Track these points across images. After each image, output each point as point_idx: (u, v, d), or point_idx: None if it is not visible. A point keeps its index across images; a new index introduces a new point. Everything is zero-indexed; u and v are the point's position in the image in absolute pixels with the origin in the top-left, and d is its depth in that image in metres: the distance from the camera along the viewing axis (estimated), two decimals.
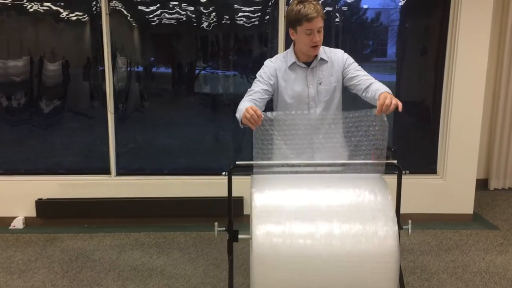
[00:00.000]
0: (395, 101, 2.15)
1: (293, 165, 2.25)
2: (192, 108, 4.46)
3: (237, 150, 4.50)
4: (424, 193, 4.23)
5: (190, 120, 4.44)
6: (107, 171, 4.23)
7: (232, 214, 2.31)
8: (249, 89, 2.54)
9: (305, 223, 2.08)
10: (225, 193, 2.29)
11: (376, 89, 2.31)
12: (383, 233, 2.05)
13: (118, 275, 3.28)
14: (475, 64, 4.02)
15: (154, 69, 4.37)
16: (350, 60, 2.56)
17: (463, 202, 4.23)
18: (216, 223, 2.31)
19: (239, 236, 2.30)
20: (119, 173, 4.25)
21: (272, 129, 2.27)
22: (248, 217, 2.77)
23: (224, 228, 2.31)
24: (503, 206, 4.68)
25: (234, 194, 2.26)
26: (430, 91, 4.35)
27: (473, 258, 3.54)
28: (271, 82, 2.53)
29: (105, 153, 4.22)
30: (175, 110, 4.42)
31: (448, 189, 4.19)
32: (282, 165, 2.25)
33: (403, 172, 2.30)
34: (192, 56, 4.34)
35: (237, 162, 2.23)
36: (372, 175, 2.28)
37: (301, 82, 2.54)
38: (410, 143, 4.51)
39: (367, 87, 2.40)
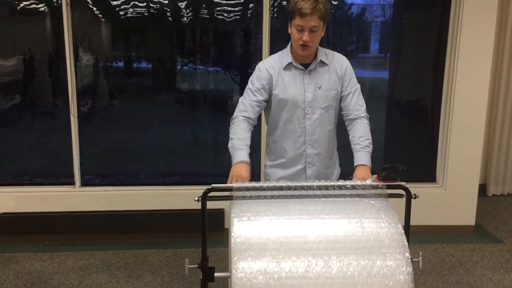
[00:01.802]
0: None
1: (281, 188, 1.84)
2: (168, 107, 4.06)
3: (219, 151, 4.11)
4: (422, 203, 3.82)
5: (166, 120, 4.04)
6: (70, 182, 3.77)
7: (206, 248, 1.90)
8: (240, 99, 2.28)
9: (296, 259, 1.67)
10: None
11: (357, 143, 2.18)
12: (394, 272, 1.66)
13: None
14: (478, 61, 3.65)
15: (125, 65, 3.95)
16: (352, 73, 2.29)
17: (465, 213, 3.87)
18: (186, 260, 1.90)
19: (216, 275, 1.89)
20: (84, 183, 3.79)
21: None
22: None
23: (196, 265, 1.90)
24: (504, 215, 4.35)
25: (213, 206, 1.85)
26: (429, 91, 3.98)
27: (479, 278, 3.18)
28: (265, 88, 2.24)
29: (69, 160, 3.76)
30: (148, 109, 4.01)
31: (448, 198, 3.83)
32: (268, 188, 1.83)
33: (413, 196, 1.91)
34: (166, 51, 3.93)
35: (212, 185, 1.81)
36: (377, 199, 1.88)
37: (297, 85, 2.23)
38: (406, 148, 4.14)
39: (353, 122, 2.26)
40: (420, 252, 1.92)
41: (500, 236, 3.88)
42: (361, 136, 2.21)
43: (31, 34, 3.74)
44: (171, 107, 4.07)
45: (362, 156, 2.15)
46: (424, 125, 4.07)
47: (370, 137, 2.22)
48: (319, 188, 1.84)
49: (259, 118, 2.31)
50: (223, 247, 3.50)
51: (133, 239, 3.73)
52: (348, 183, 1.85)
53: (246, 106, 2.23)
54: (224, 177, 2.08)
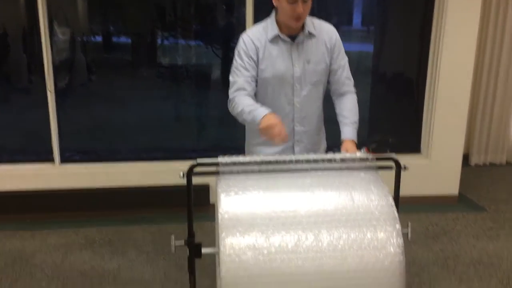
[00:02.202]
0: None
1: (269, 162, 1.79)
2: (149, 82, 3.95)
3: (202, 127, 4.04)
4: (406, 173, 3.83)
5: (147, 95, 3.93)
6: (50, 159, 3.66)
7: (192, 225, 1.85)
8: (231, 79, 2.12)
9: (286, 234, 1.64)
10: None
11: (345, 116, 2.15)
12: (385, 244, 1.64)
13: (63, 284, 2.79)
14: (464, 34, 3.61)
15: (103, 39, 3.81)
16: (341, 45, 2.19)
17: (448, 183, 3.90)
18: (172, 237, 1.85)
19: (203, 251, 1.85)
20: (64, 160, 3.69)
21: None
22: (214, 206, 2.32)
23: (183, 242, 1.85)
24: (487, 184, 4.40)
25: (198, 182, 1.79)
26: (414, 63, 3.94)
27: (463, 246, 3.22)
28: (255, 61, 2.10)
29: (47, 137, 3.64)
30: (128, 84, 3.89)
31: (432, 169, 3.85)
32: (256, 162, 1.78)
33: (403, 167, 1.88)
34: (146, 24, 3.79)
35: (198, 160, 1.75)
36: (367, 172, 1.85)
37: (285, 60, 2.11)
38: (391, 120, 4.12)
39: (341, 96, 2.22)
40: (409, 223, 1.91)
41: (483, 204, 3.92)
42: (350, 110, 2.17)
43: (3, 9, 3.56)
44: (152, 82, 3.97)
45: (350, 131, 2.12)
46: (409, 98, 4.05)
47: (358, 114, 2.19)
48: (308, 161, 1.79)
49: None
50: (209, 222, 3.47)
51: (116, 216, 3.66)
52: (338, 156, 1.81)
53: (241, 83, 2.08)
54: (207, 152, 2.01)
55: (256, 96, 2.16)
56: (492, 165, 4.92)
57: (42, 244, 3.27)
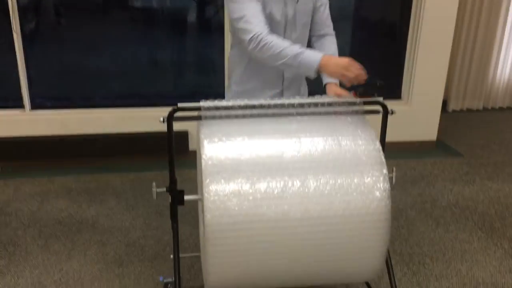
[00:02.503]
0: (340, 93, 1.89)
1: (253, 106, 1.72)
2: (122, 25, 3.74)
3: (179, 72, 3.89)
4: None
5: (120, 39, 3.73)
6: (20, 105, 3.50)
7: (174, 171, 1.79)
8: (243, 20, 1.83)
9: (271, 180, 1.60)
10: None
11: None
12: (371, 189, 1.62)
13: (40, 232, 2.73)
14: None
15: None
16: None
17: (427, 129, 3.92)
18: (154, 184, 1.80)
19: (186, 197, 1.81)
20: (35, 106, 3.53)
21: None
22: (195, 153, 2.25)
23: (165, 189, 1.80)
24: (464, 130, 4.45)
25: (176, 128, 1.71)
26: (397, 8, 3.83)
27: (440, 190, 3.28)
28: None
29: (16, 82, 3.46)
30: (100, 28, 3.68)
31: (412, 115, 3.84)
32: (240, 106, 1.71)
33: (390, 112, 1.84)
34: None
35: (179, 104, 1.67)
36: (353, 116, 1.80)
37: (278, 0, 1.94)
38: (371, 64, 4.05)
39: (321, 38, 2.11)
40: (394, 168, 1.90)
41: (460, 150, 3.98)
42: (331, 54, 2.04)
43: None
44: (125, 25, 3.75)
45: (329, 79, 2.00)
46: (391, 43, 3.97)
47: (337, 54, 2.08)
48: (294, 106, 1.73)
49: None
50: (188, 169, 3.42)
51: (93, 164, 3.57)
52: (325, 99, 1.75)
53: (257, 21, 1.81)
54: (185, 99, 1.83)
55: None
56: (469, 110, 4.96)
57: (16, 193, 3.17)
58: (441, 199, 3.16)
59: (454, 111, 4.92)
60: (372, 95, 1.78)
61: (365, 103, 1.80)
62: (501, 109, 5.06)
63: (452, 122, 4.60)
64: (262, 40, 1.79)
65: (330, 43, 2.12)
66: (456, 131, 4.39)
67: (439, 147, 4.00)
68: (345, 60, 1.74)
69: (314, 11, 2.08)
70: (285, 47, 1.78)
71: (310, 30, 2.11)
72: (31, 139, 3.48)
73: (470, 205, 3.09)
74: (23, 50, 3.39)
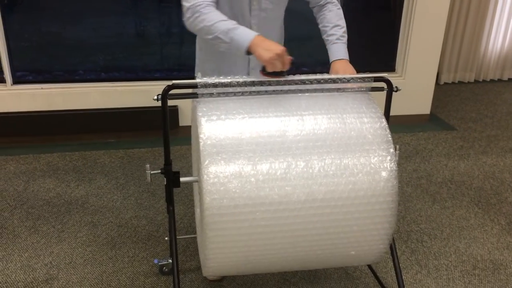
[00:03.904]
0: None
1: (253, 83, 1.62)
2: None
3: (165, 45, 3.75)
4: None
5: (103, 9, 3.56)
6: (0, 79, 3.34)
7: (169, 152, 1.70)
8: None
9: (274, 161, 1.53)
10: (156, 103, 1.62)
11: (332, 33, 1.87)
12: (377, 169, 1.56)
13: (27, 213, 2.63)
14: None
15: None
16: None
17: (421, 102, 3.87)
18: (147, 166, 1.71)
19: (182, 179, 1.73)
20: (16, 81, 3.37)
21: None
22: (185, 129, 2.14)
23: (159, 171, 1.71)
24: (456, 102, 4.41)
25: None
26: None
27: (435, 165, 3.25)
28: None
29: None
30: None
31: (406, 88, 3.74)
32: (238, 83, 1.61)
33: (395, 89, 1.77)
34: None
35: (173, 82, 1.56)
36: (357, 93, 1.72)
37: None
38: (365, 37, 3.95)
39: (323, 8, 1.94)
40: (397, 146, 1.83)
41: (453, 123, 3.94)
42: (335, 25, 1.90)
43: None
44: None
45: (339, 48, 1.85)
46: (386, 16, 3.86)
47: (345, 25, 1.93)
48: (297, 83, 1.64)
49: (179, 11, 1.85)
50: (179, 146, 3.33)
51: (79, 141, 3.45)
52: (329, 76, 1.67)
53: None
54: (172, 72, 1.71)
55: None
56: (460, 83, 4.92)
57: (0, 172, 3.05)
58: (437, 174, 3.13)
59: (446, 83, 4.87)
60: (281, 74, 1.64)
61: (369, 79, 1.71)
62: (492, 81, 5.03)
63: (444, 94, 4.55)
64: (198, 11, 1.68)
65: (333, 13, 1.93)
66: (449, 103, 4.35)
67: (432, 120, 3.95)
68: (280, 49, 1.57)
69: None
70: (218, 20, 1.65)
71: (310, 2, 1.99)
72: (14, 115, 3.34)
73: (465, 180, 3.07)
74: (2, 22, 3.21)
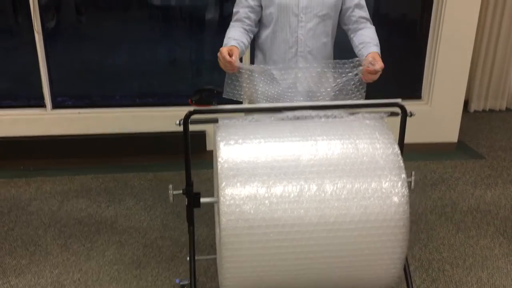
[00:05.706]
0: (380, 67, 1.91)
1: (270, 109, 1.71)
2: (141, 24, 3.76)
3: (197, 71, 3.90)
4: (407, 120, 3.80)
5: (139, 37, 3.75)
6: (41, 104, 3.55)
7: (190, 174, 1.79)
8: (234, 9, 2.13)
9: (288, 184, 1.59)
10: None
11: (366, 41, 2.05)
12: (389, 194, 1.59)
13: (60, 232, 2.77)
14: None
15: None
16: None
17: (448, 130, 3.85)
18: (170, 186, 1.80)
19: (202, 200, 1.81)
20: (56, 106, 3.58)
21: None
22: (211, 153, 2.25)
23: (181, 191, 1.80)
24: (486, 131, 4.36)
25: (194, 128, 1.73)
26: (418, 5, 3.77)
27: (461, 194, 3.22)
28: None
29: (37, 82, 3.51)
30: (119, 26, 3.71)
31: (433, 116, 3.78)
32: (256, 109, 1.70)
33: (409, 114, 1.81)
34: None
35: (195, 108, 1.67)
36: (372, 119, 1.77)
37: None
38: (391, 63, 3.99)
39: (358, 30, 2.11)
40: (413, 172, 1.86)
41: (481, 152, 3.90)
42: (370, 39, 2.05)
43: None
44: (144, 24, 3.78)
45: (374, 48, 2.02)
46: (412, 42, 3.91)
47: (378, 42, 2.08)
48: (311, 108, 1.71)
49: None
50: (206, 169, 3.43)
51: (112, 163, 3.61)
52: (343, 102, 1.73)
53: (241, 15, 2.09)
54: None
55: (261, 28, 2.15)
56: (491, 111, 4.86)
57: (37, 192, 3.23)
58: (462, 203, 3.10)
59: (475, 111, 4.82)
60: (210, 103, 1.72)
61: (383, 104, 1.77)
62: None
63: (473, 123, 4.51)
64: (231, 20, 2.13)
65: (368, 31, 2.10)
66: (478, 132, 4.31)
67: (460, 148, 3.92)
68: (222, 50, 1.92)
69: (342, 12, 2.11)
70: (226, 37, 2.04)
71: (346, 29, 2.15)
72: (52, 138, 3.54)
73: (491, 209, 3.02)
74: (44, 49, 3.44)
